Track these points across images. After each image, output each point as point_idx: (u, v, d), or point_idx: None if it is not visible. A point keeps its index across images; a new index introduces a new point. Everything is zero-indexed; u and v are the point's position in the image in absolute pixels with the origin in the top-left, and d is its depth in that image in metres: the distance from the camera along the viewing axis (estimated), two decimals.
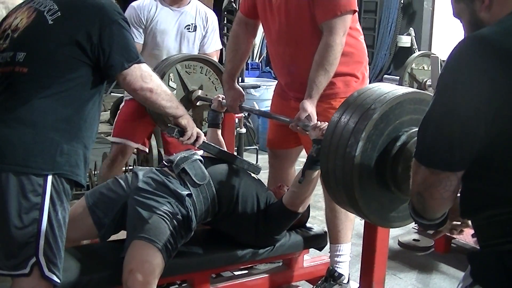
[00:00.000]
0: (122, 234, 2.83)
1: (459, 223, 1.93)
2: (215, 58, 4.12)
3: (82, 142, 2.35)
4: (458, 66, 1.54)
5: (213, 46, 4.15)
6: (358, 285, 2.92)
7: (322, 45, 2.94)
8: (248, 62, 11.13)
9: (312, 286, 3.41)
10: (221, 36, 4.72)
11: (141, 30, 3.97)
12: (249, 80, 8.32)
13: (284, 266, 3.29)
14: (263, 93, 7.98)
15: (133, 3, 4.06)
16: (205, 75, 3.76)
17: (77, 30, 2.29)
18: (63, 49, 2.29)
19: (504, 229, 1.50)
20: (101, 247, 2.88)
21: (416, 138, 1.75)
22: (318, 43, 2.98)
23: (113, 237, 2.90)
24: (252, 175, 3.08)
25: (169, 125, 2.90)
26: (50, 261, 2.26)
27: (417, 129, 1.66)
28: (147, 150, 4.46)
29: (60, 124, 2.28)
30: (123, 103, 4.17)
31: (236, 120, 5.92)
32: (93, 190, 2.96)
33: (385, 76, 9.54)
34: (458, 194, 1.74)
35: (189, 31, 3.99)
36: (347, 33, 3.00)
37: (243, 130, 6.27)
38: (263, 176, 3.46)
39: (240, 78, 6.29)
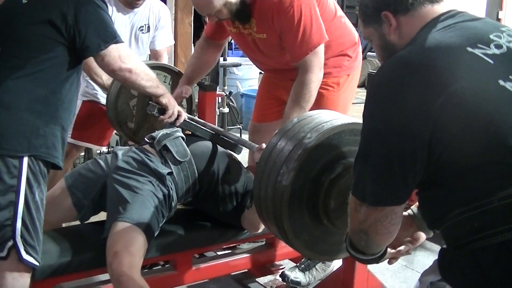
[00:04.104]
0: (102, 215, 2.80)
1: (397, 250, 1.91)
2: (166, 55, 4.05)
3: (59, 123, 2.32)
4: (383, 93, 1.53)
5: (164, 43, 4.00)
6: (341, 264, 2.92)
7: (298, 83, 2.92)
8: (232, 42, 11.06)
9: (295, 264, 3.41)
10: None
11: None
12: (232, 60, 8.27)
13: (267, 245, 3.28)
14: (246, 72, 7.94)
15: None
16: (169, 84, 3.60)
17: (51, 10, 2.25)
18: (36, 28, 2.25)
19: (472, 225, 1.48)
20: (81, 229, 2.85)
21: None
22: None
23: (93, 219, 2.88)
24: (233, 155, 3.05)
25: (150, 102, 2.89)
26: (28, 244, 2.24)
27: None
28: (105, 149, 4.33)
29: (36, 105, 2.25)
30: (79, 103, 3.90)
31: (219, 99, 5.92)
32: (72, 171, 2.94)
33: (369, 53, 9.51)
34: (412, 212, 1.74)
35: (143, 33, 3.84)
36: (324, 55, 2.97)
37: (226, 110, 6.24)
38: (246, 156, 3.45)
39: (222, 57, 6.23)
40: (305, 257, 3.31)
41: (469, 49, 1.49)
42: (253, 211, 2.62)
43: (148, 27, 3.85)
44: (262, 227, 2.89)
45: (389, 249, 1.81)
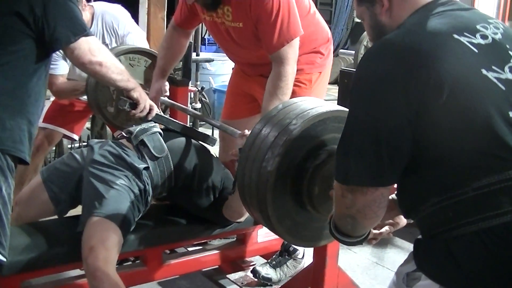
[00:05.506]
0: (80, 209, 2.74)
1: (379, 232, 1.94)
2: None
3: (26, 117, 2.28)
4: (370, 76, 1.53)
5: (138, 44, 3.86)
6: (312, 261, 2.92)
7: (275, 75, 2.90)
8: (205, 37, 11.04)
9: (266, 261, 3.41)
10: None
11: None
12: (205, 55, 8.24)
13: (238, 242, 3.28)
14: (218, 67, 7.92)
15: None
16: (149, 68, 3.58)
17: (19, 1, 2.21)
18: (3, 20, 2.20)
19: (447, 215, 1.50)
20: (53, 223, 2.81)
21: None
22: None
23: (71, 212, 2.84)
24: (211, 152, 3.04)
25: (121, 97, 2.87)
26: None
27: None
28: (77, 138, 4.29)
29: (2, 98, 2.20)
30: None
31: (191, 94, 5.89)
32: (48, 165, 2.92)
33: (341, 50, 9.56)
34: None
35: None
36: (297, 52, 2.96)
37: (198, 105, 6.23)
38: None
39: (195, 53, 6.21)
40: (287, 243, 3.31)
41: (455, 36, 1.51)
42: (236, 197, 2.62)
43: (107, 45, 3.78)
44: (246, 214, 2.89)
45: (372, 230, 1.84)
